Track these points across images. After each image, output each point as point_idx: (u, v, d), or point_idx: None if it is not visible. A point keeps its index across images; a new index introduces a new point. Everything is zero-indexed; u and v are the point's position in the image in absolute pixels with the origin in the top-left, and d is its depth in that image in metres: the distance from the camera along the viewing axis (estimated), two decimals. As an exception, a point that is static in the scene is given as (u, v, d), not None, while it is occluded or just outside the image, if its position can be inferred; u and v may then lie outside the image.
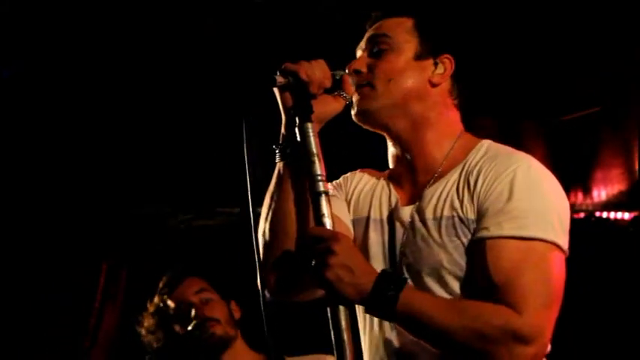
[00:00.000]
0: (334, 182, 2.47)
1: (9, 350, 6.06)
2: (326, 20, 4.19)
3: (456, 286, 2.16)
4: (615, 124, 6.40)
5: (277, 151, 2.22)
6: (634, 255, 7.06)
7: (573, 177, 6.92)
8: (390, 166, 2.42)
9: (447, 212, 2.20)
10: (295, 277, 2.22)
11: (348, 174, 2.51)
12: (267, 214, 2.22)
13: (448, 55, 2.36)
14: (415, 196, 2.31)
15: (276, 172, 2.23)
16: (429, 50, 2.34)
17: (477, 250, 2.13)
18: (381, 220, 2.34)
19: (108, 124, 5.42)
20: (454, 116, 2.39)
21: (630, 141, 6.71)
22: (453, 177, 2.25)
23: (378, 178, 2.46)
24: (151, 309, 4.24)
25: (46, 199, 6.02)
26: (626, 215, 7.46)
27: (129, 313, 6.53)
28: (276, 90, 2.17)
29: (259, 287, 2.10)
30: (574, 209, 7.62)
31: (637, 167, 6.86)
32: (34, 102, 5.00)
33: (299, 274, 2.20)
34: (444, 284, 2.17)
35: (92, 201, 6.15)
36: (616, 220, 7.44)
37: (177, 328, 4.08)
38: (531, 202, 2.13)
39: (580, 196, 7.25)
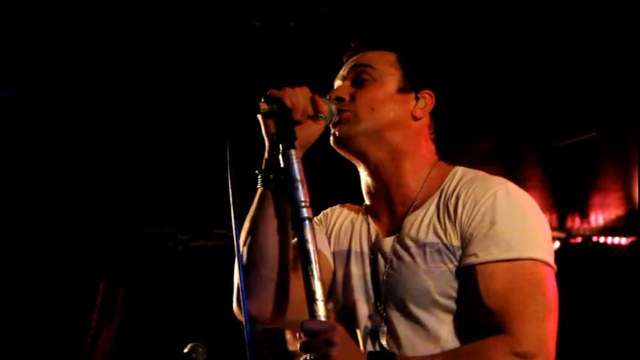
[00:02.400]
0: (315, 218, 2.45)
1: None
2: (313, 46, 4.21)
3: (442, 312, 2.15)
4: (613, 150, 6.41)
5: (259, 177, 2.20)
6: (631, 280, 7.07)
7: (571, 202, 6.92)
8: (365, 199, 2.41)
9: (430, 239, 2.19)
10: (275, 303, 2.22)
11: (328, 210, 2.49)
12: (247, 239, 2.21)
13: (429, 91, 2.35)
14: (394, 227, 2.29)
15: (257, 197, 2.21)
16: (411, 84, 2.33)
17: (468, 276, 2.13)
18: (362, 253, 2.33)
19: (109, 145, 5.45)
20: (431, 148, 2.37)
21: (628, 166, 6.72)
22: (432, 205, 2.25)
23: (357, 212, 2.44)
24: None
25: (46, 219, 6.05)
26: (624, 240, 7.47)
27: (125, 332, 6.58)
28: (259, 117, 2.17)
29: (243, 313, 2.10)
30: (571, 234, 7.65)
31: (635, 193, 6.88)
32: (30, 121, 5.02)
33: (278, 299, 2.21)
34: (430, 311, 2.16)
35: (92, 222, 6.17)
36: (613, 245, 7.46)
37: None
38: (515, 223, 2.14)
39: (577, 220, 7.26)
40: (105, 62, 4.22)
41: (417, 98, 2.34)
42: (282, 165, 2.13)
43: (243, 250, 2.20)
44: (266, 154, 2.21)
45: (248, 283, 2.16)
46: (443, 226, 2.20)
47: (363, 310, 2.28)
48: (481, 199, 2.18)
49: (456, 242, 2.17)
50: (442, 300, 2.16)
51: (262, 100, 2.13)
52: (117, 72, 4.38)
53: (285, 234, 2.18)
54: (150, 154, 5.49)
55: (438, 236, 2.19)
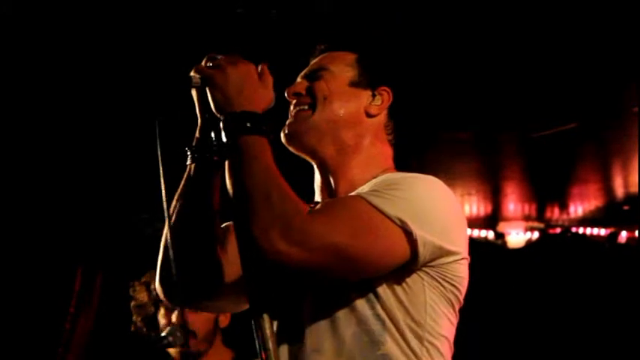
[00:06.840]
0: None
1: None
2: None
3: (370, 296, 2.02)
4: (593, 140, 6.43)
5: (189, 153, 2.18)
6: (609, 271, 7.11)
7: (550, 192, 6.94)
8: (316, 196, 2.35)
9: None
10: (202, 285, 2.16)
11: None
12: (175, 214, 2.17)
13: (386, 88, 2.26)
14: None
15: (186, 174, 2.19)
16: (367, 81, 2.26)
17: None
18: None
19: (87, 131, 5.42)
20: (385, 150, 2.28)
21: (608, 158, 6.75)
22: None
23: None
24: (145, 281, 4.10)
25: (24, 205, 6.03)
26: (602, 231, 7.50)
27: (103, 318, 6.57)
28: (193, 91, 2.13)
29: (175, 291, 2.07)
30: (550, 224, 7.68)
31: (614, 184, 6.92)
32: (9, 107, 4.99)
33: (207, 281, 2.16)
34: (361, 295, 2.02)
35: (70, 208, 6.15)
36: (592, 235, 7.49)
37: (159, 318, 3.98)
38: (411, 194, 1.99)
39: (557, 211, 7.28)
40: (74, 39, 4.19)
41: (374, 95, 2.29)
42: (224, 139, 2.01)
43: (170, 229, 2.10)
44: (197, 132, 2.17)
45: (176, 260, 2.06)
46: None
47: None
48: (395, 176, 2.12)
49: None
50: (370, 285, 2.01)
51: (194, 72, 2.06)
52: (102, 51, 4.35)
53: (213, 211, 2.15)
54: (129, 138, 5.46)
55: None
